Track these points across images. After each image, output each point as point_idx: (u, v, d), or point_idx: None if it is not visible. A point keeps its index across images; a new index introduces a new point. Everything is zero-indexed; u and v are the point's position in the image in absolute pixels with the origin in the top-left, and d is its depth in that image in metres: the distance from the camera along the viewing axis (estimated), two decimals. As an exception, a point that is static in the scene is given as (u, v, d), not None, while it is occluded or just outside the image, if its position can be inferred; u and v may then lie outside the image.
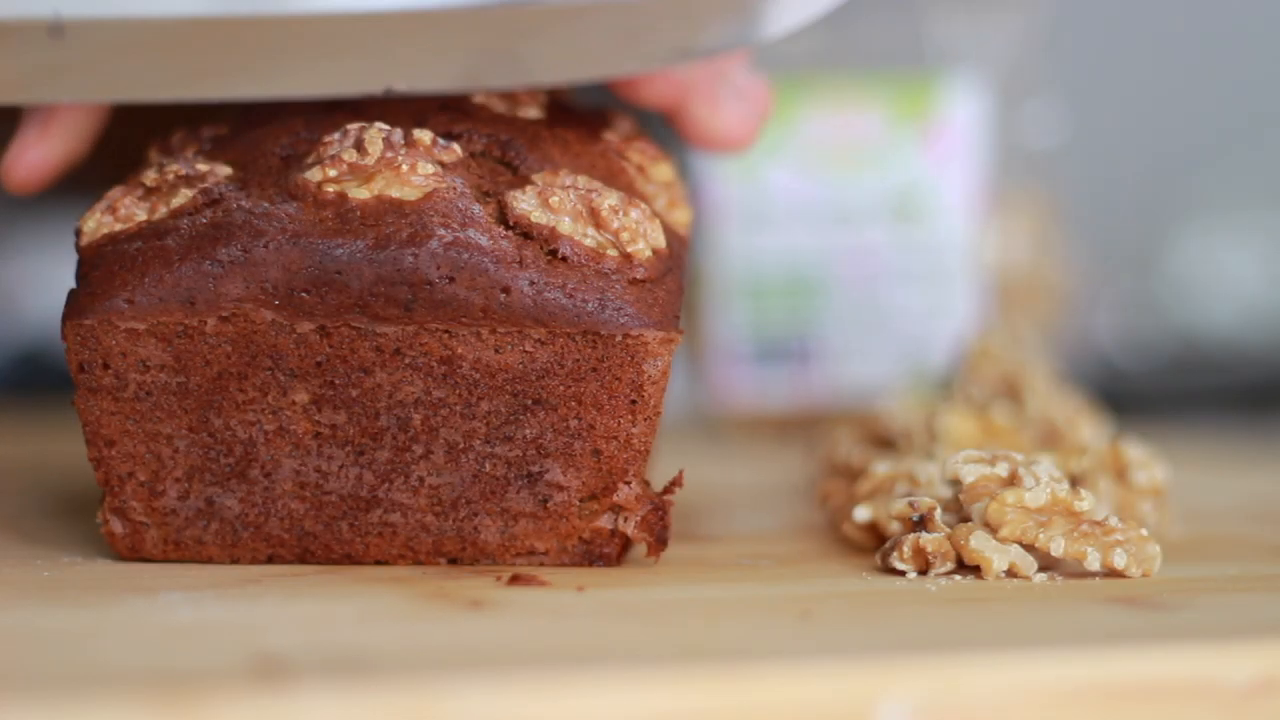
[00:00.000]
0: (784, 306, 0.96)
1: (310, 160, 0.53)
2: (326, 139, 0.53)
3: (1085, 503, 0.53)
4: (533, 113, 0.57)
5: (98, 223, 0.54)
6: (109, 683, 0.38)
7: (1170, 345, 1.44)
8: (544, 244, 0.52)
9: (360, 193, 0.52)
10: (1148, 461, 0.61)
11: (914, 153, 0.95)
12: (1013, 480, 0.54)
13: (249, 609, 0.47)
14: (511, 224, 0.53)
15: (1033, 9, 1.05)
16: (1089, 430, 0.66)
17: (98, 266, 0.53)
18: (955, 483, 0.55)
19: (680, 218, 0.58)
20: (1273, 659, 0.42)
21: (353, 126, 0.53)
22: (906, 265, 0.95)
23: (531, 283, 0.52)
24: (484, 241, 0.52)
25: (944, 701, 0.40)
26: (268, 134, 0.55)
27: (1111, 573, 0.53)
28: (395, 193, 0.52)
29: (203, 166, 0.54)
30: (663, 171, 0.58)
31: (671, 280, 0.54)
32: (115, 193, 0.54)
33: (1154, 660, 0.42)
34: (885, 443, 0.68)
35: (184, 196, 0.53)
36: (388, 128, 0.53)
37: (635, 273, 0.53)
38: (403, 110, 0.55)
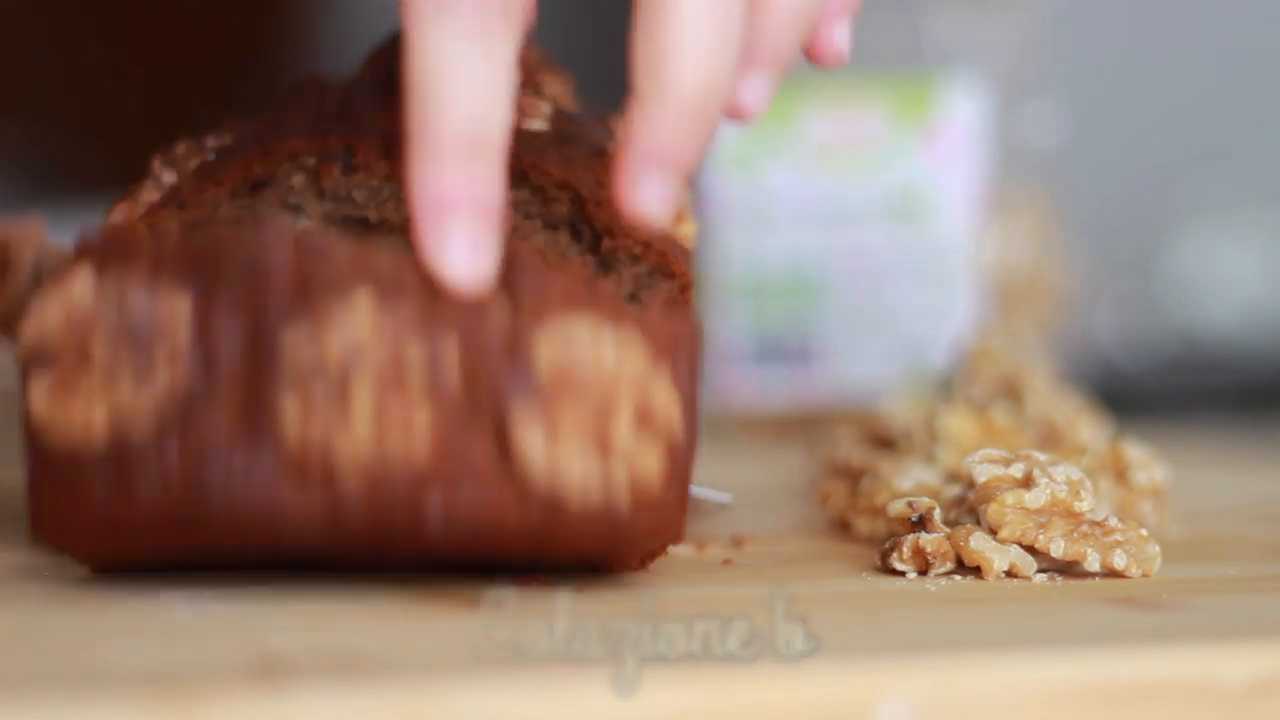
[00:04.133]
0: (784, 306, 0.96)
1: None
2: None
3: (1085, 503, 0.53)
4: (537, 125, 0.57)
5: None
6: (109, 683, 0.38)
7: (1170, 345, 1.44)
8: None
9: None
10: (1148, 462, 0.61)
11: (914, 153, 0.95)
12: (1028, 482, 0.54)
13: (249, 609, 0.47)
14: None
15: (1033, 9, 1.05)
16: (1089, 430, 0.66)
17: None
18: (970, 484, 0.55)
19: (686, 230, 0.58)
20: (1273, 659, 0.42)
21: None
22: (906, 265, 0.95)
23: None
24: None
25: (944, 701, 0.40)
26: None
27: (1111, 573, 0.53)
28: None
29: None
30: None
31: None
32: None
33: (1154, 660, 0.42)
34: (885, 443, 0.68)
35: None
36: None
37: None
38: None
